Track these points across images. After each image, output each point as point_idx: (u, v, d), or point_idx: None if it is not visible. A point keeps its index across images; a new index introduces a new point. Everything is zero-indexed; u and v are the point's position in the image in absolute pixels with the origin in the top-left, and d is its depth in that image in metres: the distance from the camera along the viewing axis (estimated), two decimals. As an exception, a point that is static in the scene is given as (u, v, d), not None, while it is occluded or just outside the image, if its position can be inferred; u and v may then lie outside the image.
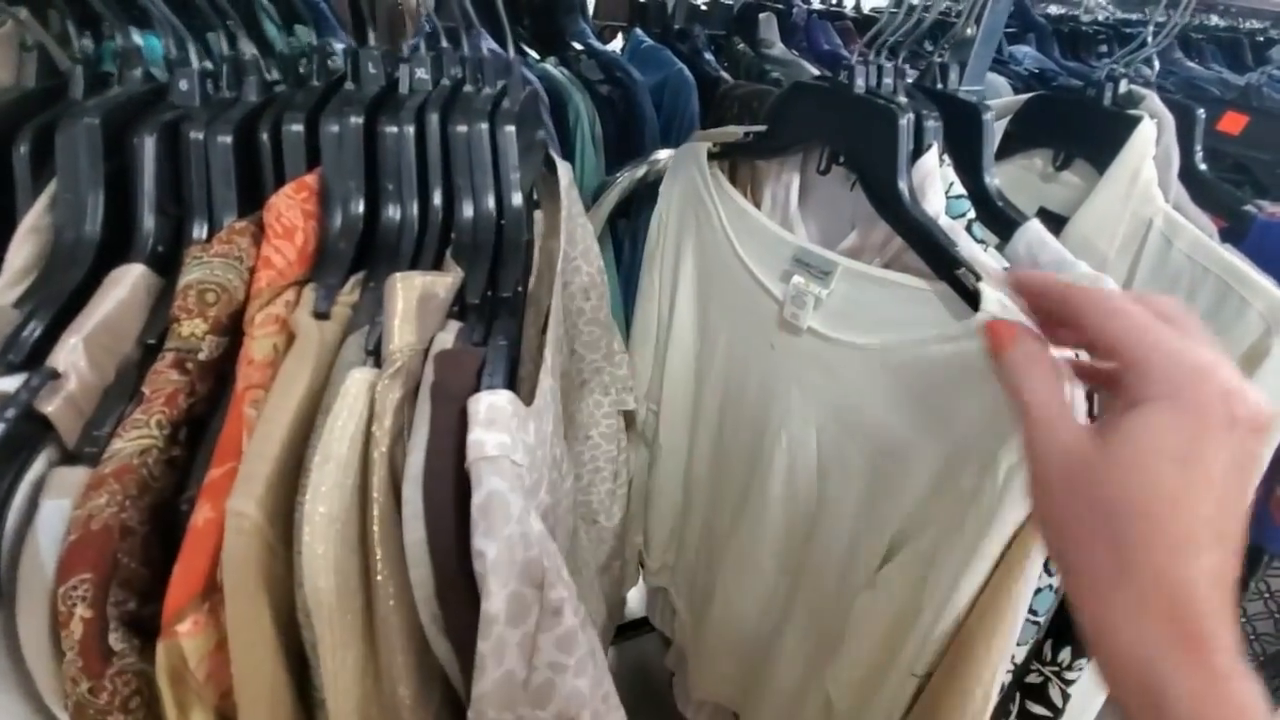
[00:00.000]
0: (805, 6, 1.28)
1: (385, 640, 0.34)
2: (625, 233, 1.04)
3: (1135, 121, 0.64)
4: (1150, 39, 0.68)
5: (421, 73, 0.42)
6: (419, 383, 0.36)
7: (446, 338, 0.37)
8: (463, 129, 0.41)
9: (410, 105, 0.41)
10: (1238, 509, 0.23)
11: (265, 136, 0.41)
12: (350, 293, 0.41)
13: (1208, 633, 0.21)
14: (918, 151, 0.49)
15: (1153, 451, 0.22)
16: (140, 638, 0.34)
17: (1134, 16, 1.68)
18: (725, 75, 1.11)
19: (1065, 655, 0.49)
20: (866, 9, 1.48)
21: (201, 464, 0.36)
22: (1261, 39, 1.61)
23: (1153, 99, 0.68)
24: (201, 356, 0.39)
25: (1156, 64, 0.69)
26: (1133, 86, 0.69)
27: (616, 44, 1.26)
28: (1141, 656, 0.22)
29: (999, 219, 0.54)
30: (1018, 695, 0.52)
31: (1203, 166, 0.70)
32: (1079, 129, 0.69)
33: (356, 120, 0.40)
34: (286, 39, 0.65)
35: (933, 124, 0.49)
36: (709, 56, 1.18)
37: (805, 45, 1.26)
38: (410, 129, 0.40)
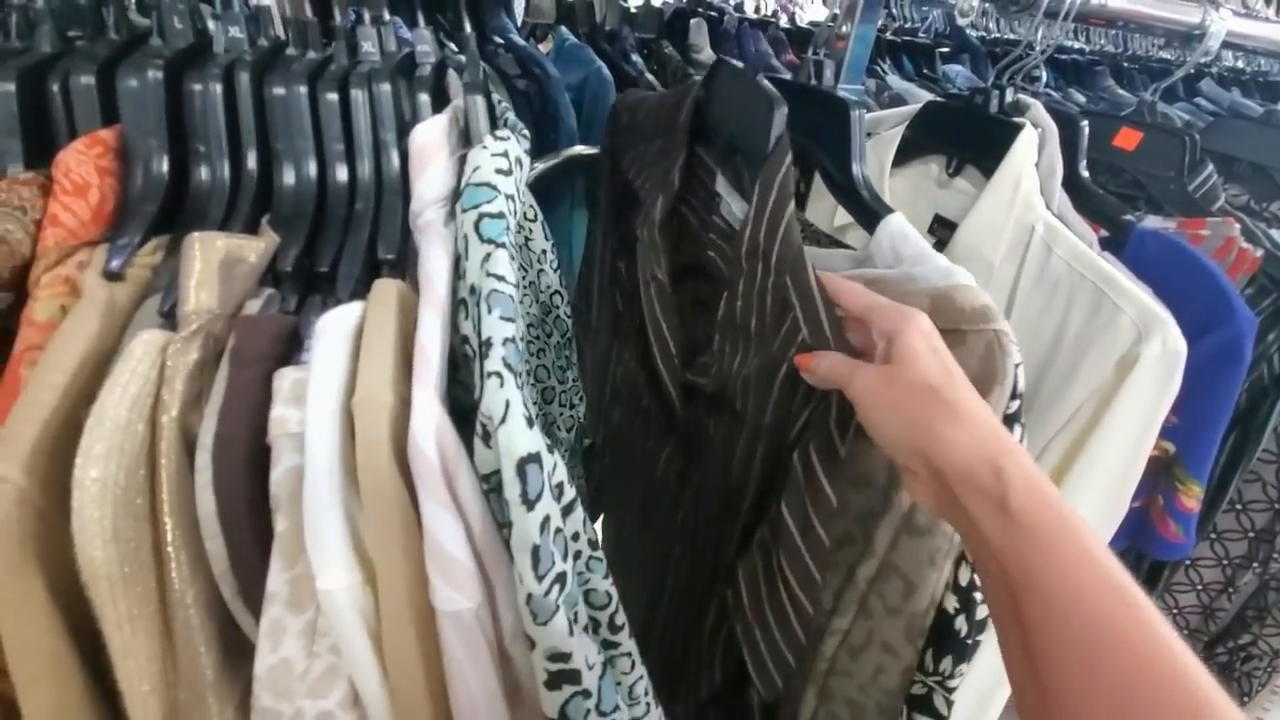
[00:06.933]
0: (737, 15, 1.28)
1: (180, 614, 0.32)
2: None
3: (1018, 129, 0.65)
4: (1038, 51, 0.69)
5: (236, 31, 0.40)
6: (224, 349, 0.34)
7: (255, 304, 0.35)
8: (280, 91, 0.39)
9: (221, 63, 0.39)
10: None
11: (56, 88, 0.38)
12: (151, 254, 0.38)
13: (1015, 443, 0.33)
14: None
15: (923, 353, 0.36)
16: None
17: (1075, 44, 1.71)
18: (650, 78, 1.11)
19: (946, 664, 0.48)
20: (804, 22, 1.50)
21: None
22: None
23: (1037, 108, 0.69)
24: (-27, 308, 0.36)
25: (1044, 74, 0.70)
26: (1019, 96, 0.70)
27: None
28: (987, 452, 0.32)
29: (865, 211, 0.53)
30: (904, 708, 0.50)
31: (1085, 174, 0.70)
32: (968, 136, 0.70)
33: (155, 75, 0.37)
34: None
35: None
36: (636, 59, 1.17)
37: (736, 52, 1.26)
38: (217, 87, 0.38)
